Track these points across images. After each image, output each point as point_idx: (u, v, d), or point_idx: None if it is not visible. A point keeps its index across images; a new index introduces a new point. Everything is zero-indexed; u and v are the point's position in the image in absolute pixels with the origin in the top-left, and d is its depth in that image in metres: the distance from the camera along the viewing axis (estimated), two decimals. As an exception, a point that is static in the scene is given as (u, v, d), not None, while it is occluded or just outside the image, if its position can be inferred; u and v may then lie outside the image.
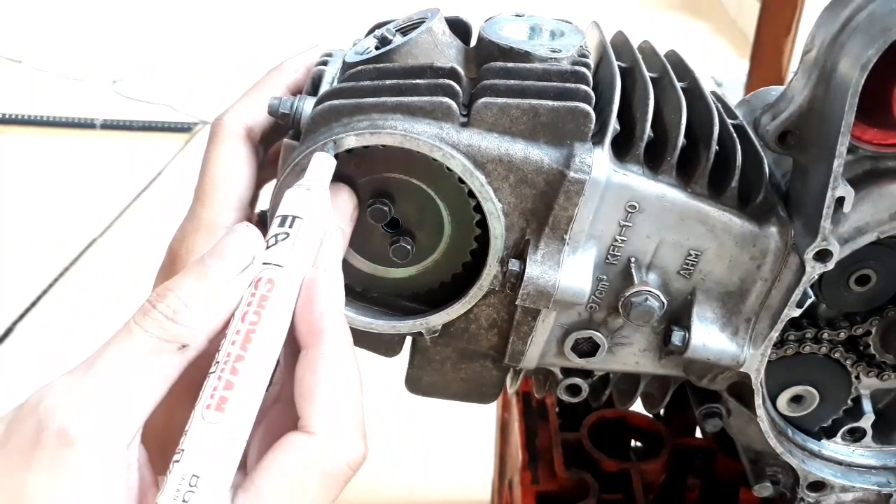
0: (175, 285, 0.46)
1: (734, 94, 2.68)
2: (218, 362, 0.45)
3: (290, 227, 0.48)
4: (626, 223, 0.60)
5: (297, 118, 0.58)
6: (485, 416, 1.18)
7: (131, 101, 2.99)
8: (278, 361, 0.48)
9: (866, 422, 0.73)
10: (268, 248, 0.48)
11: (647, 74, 0.64)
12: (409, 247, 0.59)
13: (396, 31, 0.62)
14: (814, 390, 0.71)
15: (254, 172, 0.61)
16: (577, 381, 0.69)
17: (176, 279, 0.46)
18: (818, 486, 0.73)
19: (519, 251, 0.60)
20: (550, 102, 0.56)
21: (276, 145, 0.66)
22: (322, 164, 0.52)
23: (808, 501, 0.73)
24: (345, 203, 0.57)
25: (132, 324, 0.45)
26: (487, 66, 0.59)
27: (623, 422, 0.89)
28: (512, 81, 0.57)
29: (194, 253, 0.58)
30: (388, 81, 0.57)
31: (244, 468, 0.46)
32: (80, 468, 0.41)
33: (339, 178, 0.58)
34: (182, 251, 0.59)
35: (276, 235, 0.48)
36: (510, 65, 0.58)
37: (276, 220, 0.49)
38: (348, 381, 0.47)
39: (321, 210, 0.50)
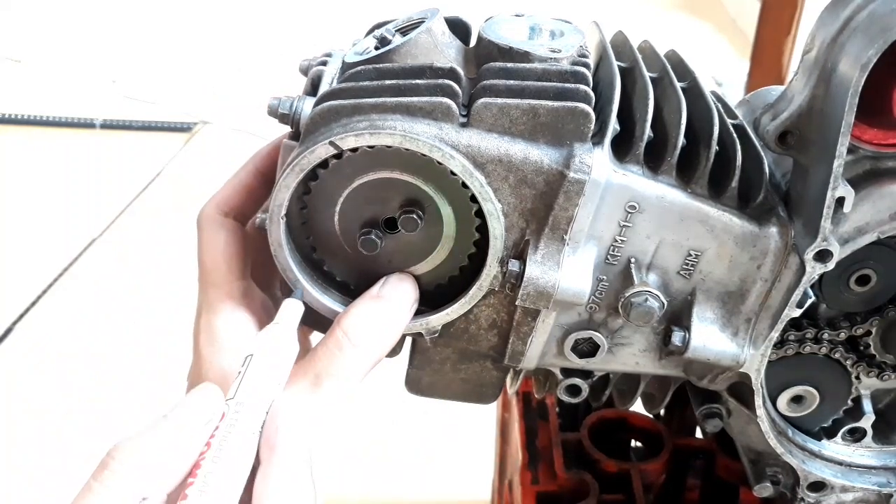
0: (133, 446, 0.47)
1: (734, 94, 2.68)
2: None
3: (245, 365, 0.53)
4: (626, 223, 0.60)
5: (297, 118, 0.58)
6: (485, 416, 1.18)
7: (131, 101, 2.99)
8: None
9: (866, 422, 0.73)
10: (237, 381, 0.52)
11: (647, 74, 0.64)
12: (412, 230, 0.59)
13: (396, 31, 0.62)
14: (814, 390, 0.71)
15: (240, 247, 0.64)
16: (577, 381, 0.69)
17: (135, 439, 0.48)
18: (818, 486, 0.73)
19: (519, 251, 0.59)
20: (550, 103, 0.56)
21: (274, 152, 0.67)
22: (291, 308, 0.57)
23: (809, 502, 0.73)
24: (405, 293, 0.61)
25: (92, 482, 0.46)
26: (487, 66, 0.59)
27: (623, 422, 0.89)
28: (511, 82, 0.57)
29: (204, 332, 0.61)
30: (387, 82, 0.57)
31: None
32: None
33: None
34: (196, 332, 0.63)
35: (238, 372, 0.53)
36: (510, 65, 0.58)
37: (243, 359, 0.54)
38: (297, 495, 0.50)
39: (281, 346, 0.55)
